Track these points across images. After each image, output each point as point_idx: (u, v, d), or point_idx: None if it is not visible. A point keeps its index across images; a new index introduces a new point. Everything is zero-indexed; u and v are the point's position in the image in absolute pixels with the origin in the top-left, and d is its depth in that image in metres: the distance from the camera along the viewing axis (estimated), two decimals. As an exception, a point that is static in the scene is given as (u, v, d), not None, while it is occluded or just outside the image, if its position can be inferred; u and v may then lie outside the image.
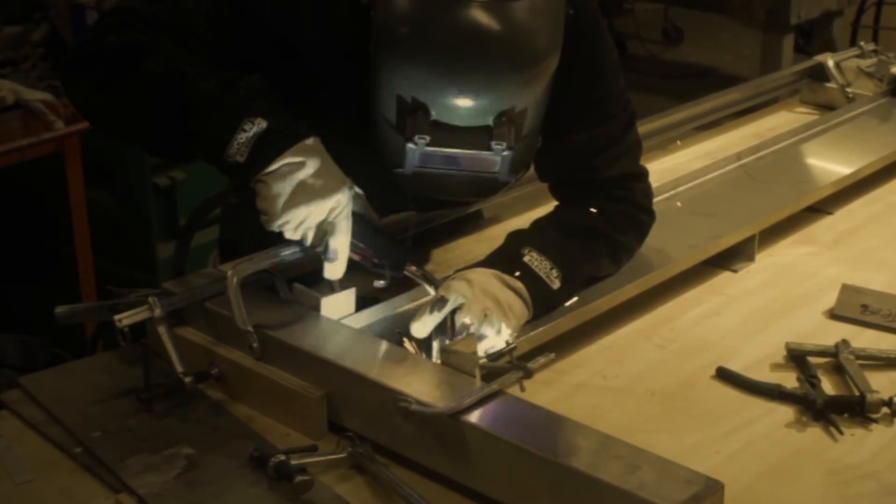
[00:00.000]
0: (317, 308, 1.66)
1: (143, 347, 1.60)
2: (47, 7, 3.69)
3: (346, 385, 1.52)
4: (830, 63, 2.94)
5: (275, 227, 1.61)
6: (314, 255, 1.65)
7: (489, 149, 1.56)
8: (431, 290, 1.70)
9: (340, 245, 1.62)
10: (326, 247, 1.63)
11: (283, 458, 1.42)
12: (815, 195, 2.31)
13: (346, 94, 1.72)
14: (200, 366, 1.61)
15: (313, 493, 1.40)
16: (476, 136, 1.56)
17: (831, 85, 2.93)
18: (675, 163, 2.53)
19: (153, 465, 1.45)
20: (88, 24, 3.28)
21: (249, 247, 1.73)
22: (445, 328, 1.60)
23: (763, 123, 2.86)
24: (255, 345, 1.58)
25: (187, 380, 1.57)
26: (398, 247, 1.72)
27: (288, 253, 1.67)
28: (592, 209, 1.85)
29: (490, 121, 1.55)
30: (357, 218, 1.65)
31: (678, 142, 2.63)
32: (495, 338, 1.60)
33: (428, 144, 1.55)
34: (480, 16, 1.51)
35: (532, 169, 1.93)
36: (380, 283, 1.69)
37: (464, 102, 1.54)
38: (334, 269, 1.64)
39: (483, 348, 1.58)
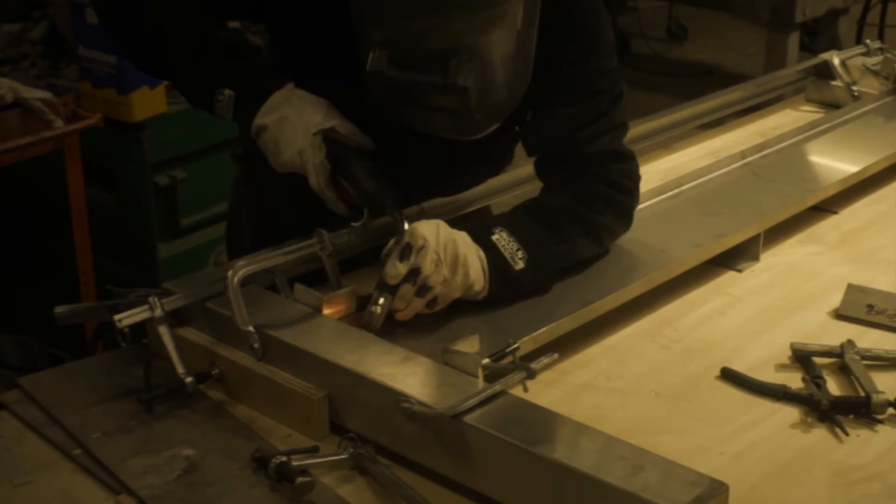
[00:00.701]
0: (318, 308, 1.66)
1: (143, 348, 1.59)
2: (47, 5, 3.69)
3: (347, 386, 1.51)
4: (836, 61, 2.92)
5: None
6: (314, 255, 1.65)
7: (447, 85, 1.58)
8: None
9: (315, 187, 1.74)
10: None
11: (284, 459, 1.41)
12: (821, 194, 2.29)
13: (334, 35, 1.77)
14: (201, 366, 1.60)
15: (315, 494, 1.39)
16: (434, 71, 1.59)
17: (837, 83, 2.91)
18: (678, 161, 2.52)
19: (153, 466, 1.45)
20: (88, 22, 3.26)
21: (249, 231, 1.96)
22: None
23: (768, 122, 2.85)
24: (256, 345, 1.57)
25: (188, 380, 1.56)
26: (385, 187, 1.73)
27: (289, 252, 1.66)
28: (567, 189, 1.87)
29: (449, 58, 1.58)
30: (345, 154, 1.72)
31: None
32: (442, 287, 1.65)
33: (389, 74, 1.60)
34: None
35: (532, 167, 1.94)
36: (356, 224, 1.77)
37: (420, 34, 1.58)
38: (332, 207, 1.76)
39: (425, 301, 1.65)
